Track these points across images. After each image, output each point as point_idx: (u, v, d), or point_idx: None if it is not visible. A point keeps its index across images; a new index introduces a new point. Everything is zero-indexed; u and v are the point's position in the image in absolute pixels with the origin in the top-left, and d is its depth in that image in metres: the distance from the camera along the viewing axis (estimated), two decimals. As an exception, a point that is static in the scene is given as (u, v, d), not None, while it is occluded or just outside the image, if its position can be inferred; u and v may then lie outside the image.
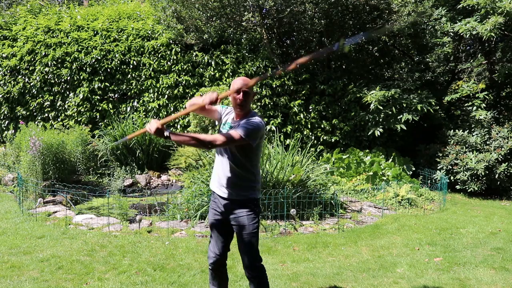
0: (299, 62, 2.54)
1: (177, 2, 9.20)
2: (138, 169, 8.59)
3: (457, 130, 8.70)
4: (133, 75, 9.64)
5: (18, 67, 9.75)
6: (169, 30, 9.55)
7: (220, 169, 2.80)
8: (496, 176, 7.98)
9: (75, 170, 8.17)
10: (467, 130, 8.69)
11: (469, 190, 8.21)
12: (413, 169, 8.78)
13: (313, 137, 9.37)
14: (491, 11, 7.92)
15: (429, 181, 8.35)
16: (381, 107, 8.34)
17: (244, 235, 2.74)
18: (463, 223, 5.94)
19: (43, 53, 9.63)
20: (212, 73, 9.47)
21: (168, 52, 9.62)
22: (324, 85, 9.52)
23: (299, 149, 6.95)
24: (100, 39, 9.69)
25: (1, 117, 9.85)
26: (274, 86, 9.46)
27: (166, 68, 9.61)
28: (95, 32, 9.87)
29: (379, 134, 8.67)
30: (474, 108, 8.71)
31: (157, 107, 9.51)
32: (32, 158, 7.00)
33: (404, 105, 8.47)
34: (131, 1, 11.65)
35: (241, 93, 2.67)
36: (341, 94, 9.55)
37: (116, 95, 9.70)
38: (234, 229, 2.80)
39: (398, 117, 8.46)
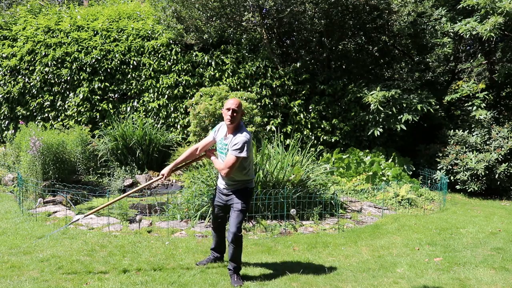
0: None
1: (177, 2, 9.20)
2: (138, 169, 8.59)
3: (457, 130, 8.70)
4: (133, 75, 9.64)
5: (18, 67, 9.75)
6: (169, 30, 9.55)
7: None
8: (496, 176, 7.98)
9: (75, 170, 8.16)
10: (467, 130, 8.69)
11: (469, 190, 8.21)
12: (413, 169, 8.77)
13: (313, 137, 9.37)
14: (491, 11, 7.92)
15: (429, 181, 8.35)
16: (381, 108, 8.34)
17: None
18: (463, 223, 5.94)
19: (43, 53, 9.64)
20: (212, 73, 9.47)
21: (168, 52, 9.62)
22: (324, 85, 9.52)
23: (299, 149, 6.95)
24: (100, 39, 9.69)
25: (1, 117, 9.85)
26: (274, 86, 9.46)
27: (166, 68, 9.62)
28: (95, 32, 9.87)
29: (379, 134, 8.67)
30: (474, 108, 8.70)
31: (157, 107, 9.51)
32: (32, 158, 7.00)
33: (404, 105, 8.47)
34: (131, 1, 11.65)
35: (230, 111, 3.57)
36: (341, 94, 9.55)
37: (116, 95, 9.70)
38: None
39: (398, 117, 8.46)
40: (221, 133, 3.76)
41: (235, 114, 3.60)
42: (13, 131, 9.56)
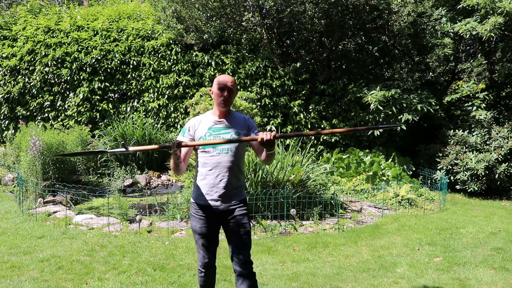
0: None
1: (177, 2, 9.20)
2: (138, 169, 8.59)
3: (457, 130, 8.70)
4: (133, 75, 9.64)
5: (18, 67, 9.75)
6: (169, 30, 9.55)
7: (217, 175, 2.71)
8: (496, 176, 7.98)
9: (75, 170, 8.17)
10: (467, 130, 8.69)
11: (469, 190, 8.21)
12: (413, 169, 8.78)
13: (313, 137, 9.37)
14: (491, 11, 7.92)
15: (429, 181, 8.35)
16: (381, 107, 8.34)
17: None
18: (463, 223, 5.94)
19: (43, 53, 9.64)
20: (212, 73, 9.47)
21: (168, 52, 9.62)
22: (324, 85, 9.52)
23: (299, 149, 6.95)
24: (100, 39, 9.70)
25: (1, 117, 9.85)
26: (274, 86, 9.46)
27: (166, 68, 9.62)
28: (95, 32, 9.87)
29: (379, 134, 8.67)
30: (474, 108, 8.71)
31: (157, 107, 9.51)
32: (32, 158, 7.00)
33: (404, 105, 8.47)
34: (131, 1, 11.65)
35: (226, 91, 2.69)
36: (341, 94, 9.55)
37: (116, 95, 9.70)
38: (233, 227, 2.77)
39: (398, 117, 8.46)
40: (204, 125, 2.77)
41: (231, 94, 2.73)
42: (13, 131, 9.56)
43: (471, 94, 8.98)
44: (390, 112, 8.48)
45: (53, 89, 9.67)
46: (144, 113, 9.58)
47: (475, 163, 7.99)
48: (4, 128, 9.83)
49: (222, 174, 2.70)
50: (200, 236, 2.77)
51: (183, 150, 2.72)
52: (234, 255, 2.74)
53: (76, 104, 9.50)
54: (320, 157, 8.91)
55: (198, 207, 2.76)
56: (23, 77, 9.75)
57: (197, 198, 2.77)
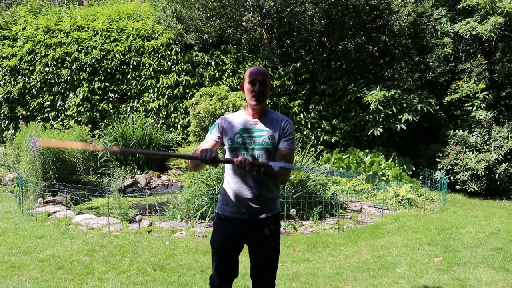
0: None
1: (177, 2, 9.20)
2: (138, 169, 8.59)
3: (457, 130, 8.70)
4: (133, 75, 9.64)
5: (18, 67, 9.75)
6: (169, 30, 9.55)
7: (245, 184, 2.34)
8: (496, 176, 7.98)
9: (75, 170, 8.17)
10: (467, 130, 8.69)
11: (469, 190, 8.21)
12: (413, 169, 8.78)
13: (313, 137, 9.37)
14: (491, 11, 7.92)
15: (429, 181, 8.35)
16: (381, 107, 8.34)
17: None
18: (463, 223, 5.94)
19: (43, 53, 9.64)
20: (212, 73, 9.47)
21: (168, 52, 9.62)
22: (324, 85, 9.52)
23: (299, 149, 6.95)
24: (100, 39, 9.70)
25: (1, 117, 9.85)
26: (274, 86, 9.46)
27: (166, 68, 9.62)
28: (95, 32, 9.87)
29: (379, 134, 8.67)
30: (474, 108, 8.71)
31: (157, 107, 9.51)
32: (32, 158, 7.00)
33: (404, 105, 8.47)
34: (131, 1, 11.65)
35: (258, 84, 2.30)
36: (341, 94, 9.55)
37: (116, 95, 9.70)
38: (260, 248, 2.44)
39: (398, 117, 8.46)
40: (235, 125, 2.39)
41: (265, 88, 2.32)
42: (13, 131, 9.56)
43: (471, 94, 8.98)
44: (390, 112, 8.48)
45: (53, 89, 9.67)
46: (144, 113, 9.58)
47: (475, 163, 7.99)
48: (4, 128, 9.83)
49: (251, 183, 2.30)
50: (218, 253, 2.40)
51: (207, 145, 2.33)
52: (256, 279, 2.42)
53: (76, 104, 9.50)
54: (320, 157, 8.91)
55: (222, 219, 2.40)
56: (23, 77, 9.75)
57: (221, 209, 2.41)
